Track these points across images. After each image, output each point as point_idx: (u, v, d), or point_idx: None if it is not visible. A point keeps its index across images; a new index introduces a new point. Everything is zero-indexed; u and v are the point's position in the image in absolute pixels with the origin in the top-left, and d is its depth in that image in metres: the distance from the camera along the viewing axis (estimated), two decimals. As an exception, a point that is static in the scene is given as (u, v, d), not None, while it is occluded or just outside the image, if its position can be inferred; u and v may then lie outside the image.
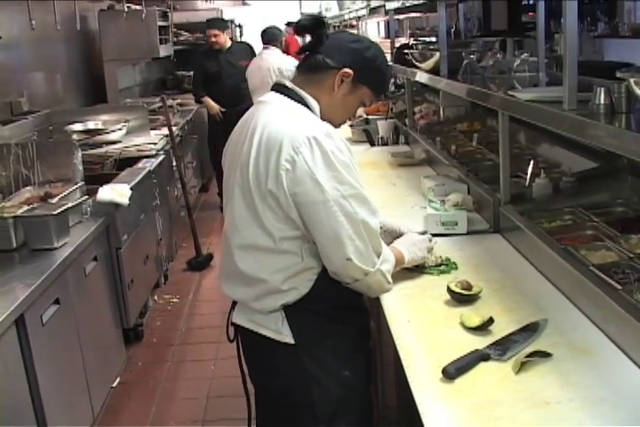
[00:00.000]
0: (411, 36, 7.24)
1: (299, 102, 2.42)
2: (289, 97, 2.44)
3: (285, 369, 2.42)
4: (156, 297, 6.05)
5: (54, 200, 4.10)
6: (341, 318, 2.44)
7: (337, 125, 2.50)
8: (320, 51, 2.44)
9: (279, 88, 2.48)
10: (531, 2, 6.17)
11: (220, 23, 8.86)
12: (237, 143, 2.45)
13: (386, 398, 3.22)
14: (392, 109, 6.42)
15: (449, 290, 2.58)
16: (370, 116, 6.28)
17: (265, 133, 2.30)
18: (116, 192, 4.51)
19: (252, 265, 2.37)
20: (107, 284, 4.49)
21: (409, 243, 2.85)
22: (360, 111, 6.48)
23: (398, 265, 2.65)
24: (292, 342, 2.36)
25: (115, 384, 4.60)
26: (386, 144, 5.78)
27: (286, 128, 2.28)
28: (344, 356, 2.45)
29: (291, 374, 2.41)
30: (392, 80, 8.21)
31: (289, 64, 8.17)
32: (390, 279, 2.42)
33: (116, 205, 4.50)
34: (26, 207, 3.95)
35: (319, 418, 2.40)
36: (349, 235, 2.25)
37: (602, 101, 2.15)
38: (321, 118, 2.43)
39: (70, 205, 3.92)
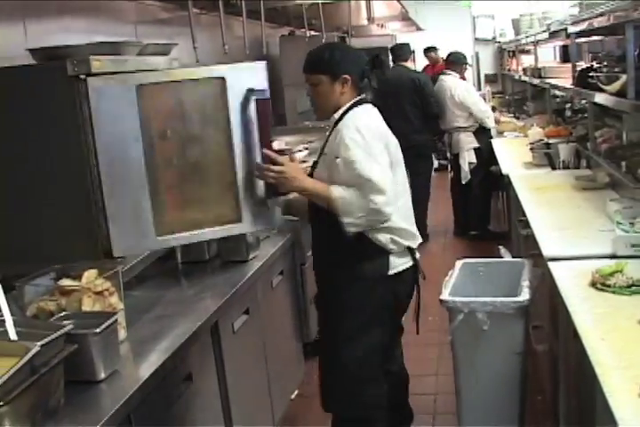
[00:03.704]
0: (592, 60, 7.14)
1: None
2: None
3: None
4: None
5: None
6: None
7: None
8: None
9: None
10: None
11: None
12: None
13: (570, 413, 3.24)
14: (571, 133, 6.36)
15: (644, 310, 2.57)
16: (551, 140, 6.23)
17: None
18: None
19: None
20: (291, 298, 4.64)
21: None
22: (541, 135, 6.47)
23: None
24: None
25: (293, 396, 4.72)
26: (567, 168, 5.74)
27: None
28: None
29: None
30: (569, 104, 8.14)
31: (462, 88, 8.27)
32: None
33: (303, 222, 4.63)
34: (219, 222, 4.13)
35: None
36: None
37: None
38: None
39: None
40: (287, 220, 4.49)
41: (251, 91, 3.13)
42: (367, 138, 3.24)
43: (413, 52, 9.71)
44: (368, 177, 3.16)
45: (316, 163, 3.52)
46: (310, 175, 3.44)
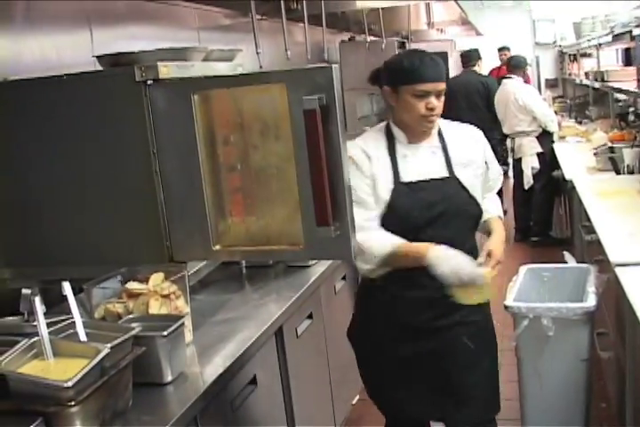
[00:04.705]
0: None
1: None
2: None
3: None
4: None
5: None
6: None
7: (413, 128, 2.99)
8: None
9: None
10: None
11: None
12: None
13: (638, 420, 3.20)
14: (636, 137, 6.28)
15: None
16: (615, 145, 6.15)
17: None
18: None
19: None
20: (353, 303, 4.62)
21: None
22: (604, 139, 6.40)
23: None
24: None
25: (354, 401, 4.71)
26: (632, 173, 5.65)
27: None
28: None
29: None
30: (632, 108, 8.02)
31: (525, 92, 8.20)
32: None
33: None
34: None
35: None
36: None
37: None
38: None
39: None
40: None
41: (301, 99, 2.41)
42: None
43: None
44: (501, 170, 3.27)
45: (438, 180, 2.99)
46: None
